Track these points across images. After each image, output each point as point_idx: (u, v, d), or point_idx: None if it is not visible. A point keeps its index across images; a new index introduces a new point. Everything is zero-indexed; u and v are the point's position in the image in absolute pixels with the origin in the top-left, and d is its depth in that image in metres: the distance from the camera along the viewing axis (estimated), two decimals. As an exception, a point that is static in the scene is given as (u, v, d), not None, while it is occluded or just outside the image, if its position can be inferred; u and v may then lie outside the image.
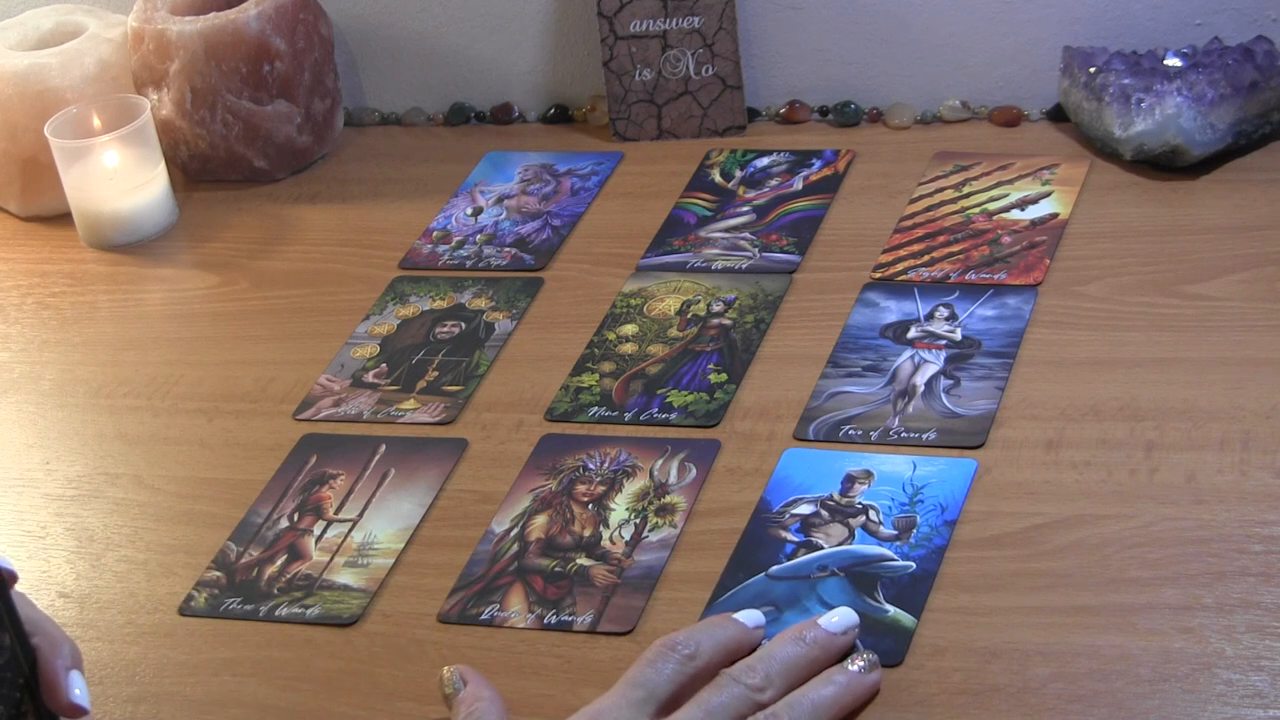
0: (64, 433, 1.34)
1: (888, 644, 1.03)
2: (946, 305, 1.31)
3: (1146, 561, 1.06)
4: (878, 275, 1.36)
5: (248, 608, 1.14)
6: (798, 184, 1.50)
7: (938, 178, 1.47)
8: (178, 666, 1.11)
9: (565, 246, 1.47)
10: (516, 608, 1.11)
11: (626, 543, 1.14)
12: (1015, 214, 1.41)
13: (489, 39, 1.66)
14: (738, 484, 1.18)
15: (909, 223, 1.42)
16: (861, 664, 0.99)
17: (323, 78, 1.63)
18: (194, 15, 1.60)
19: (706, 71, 1.58)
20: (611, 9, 1.57)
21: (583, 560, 1.13)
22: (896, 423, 1.20)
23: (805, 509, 1.14)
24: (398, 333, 1.39)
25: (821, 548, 1.11)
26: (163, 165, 1.57)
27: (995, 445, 1.17)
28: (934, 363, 1.26)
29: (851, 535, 1.12)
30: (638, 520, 1.16)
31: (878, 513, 1.13)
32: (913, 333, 1.29)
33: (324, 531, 1.20)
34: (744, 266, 1.40)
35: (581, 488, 1.19)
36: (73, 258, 1.56)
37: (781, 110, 1.60)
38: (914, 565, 1.08)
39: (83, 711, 0.91)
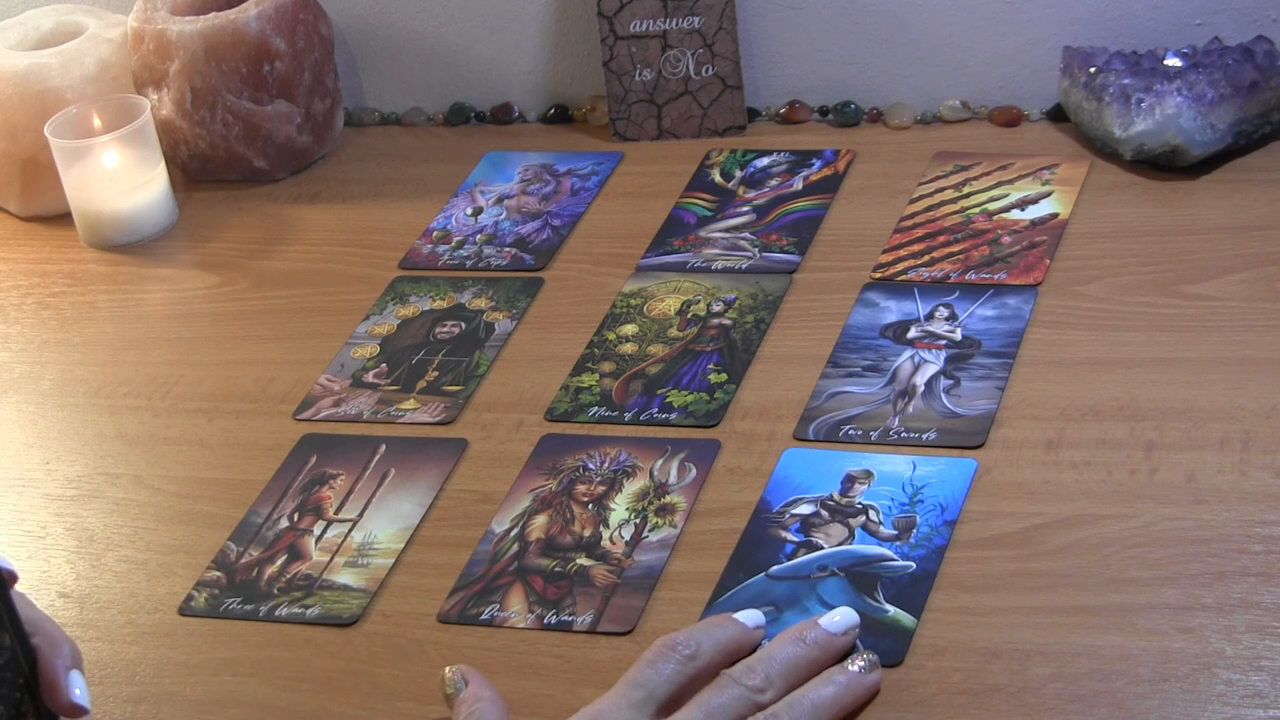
0: (64, 433, 1.34)
1: (888, 644, 1.03)
2: (946, 305, 1.31)
3: (1146, 561, 1.06)
4: (878, 275, 1.36)
5: (248, 608, 1.14)
6: (798, 184, 1.50)
7: (938, 178, 1.47)
8: (178, 666, 1.11)
9: (565, 246, 1.47)
10: (516, 608, 1.11)
11: (626, 543, 1.14)
12: (1015, 214, 1.41)
13: (489, 39, 1.66)
14: (738, 484, 1.18)
15: (909, 223, 1.42)
16: (861, 664, 0.99)
17: (323, 78, 1.63)
18: (194, 15, 1.60)
19: (706, 71, 1.58)
20: (611, 9, 1.57)
21: (583, 560, 1.13)
22: (896, 423, 1.20)
23: (805, 509, 1.14)
24: (398, 333, 1.39)
25: (821, 548, 1.11)
26: (163, 165, 1.57)
27: (995, 445, 1.17)
28: (934, 363, 1.26)
29: (851, 535, 1.12)
30: (638, 520, 1.16)
31: (878, 513, 1.13)
32: (913, 333, 1.29)
33: (324, 531, 1.20)
34: (744, 266, 1.40)
35: (581, 488, 1.19)
36: (73, 258, 1.56)
37: (781, 110, 1.60)
38: (914, 565, 1.08)
39: (83, 711, 0.91)
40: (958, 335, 1.28)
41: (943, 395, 1.22)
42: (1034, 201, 1.42)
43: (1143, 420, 1.17)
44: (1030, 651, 1.01)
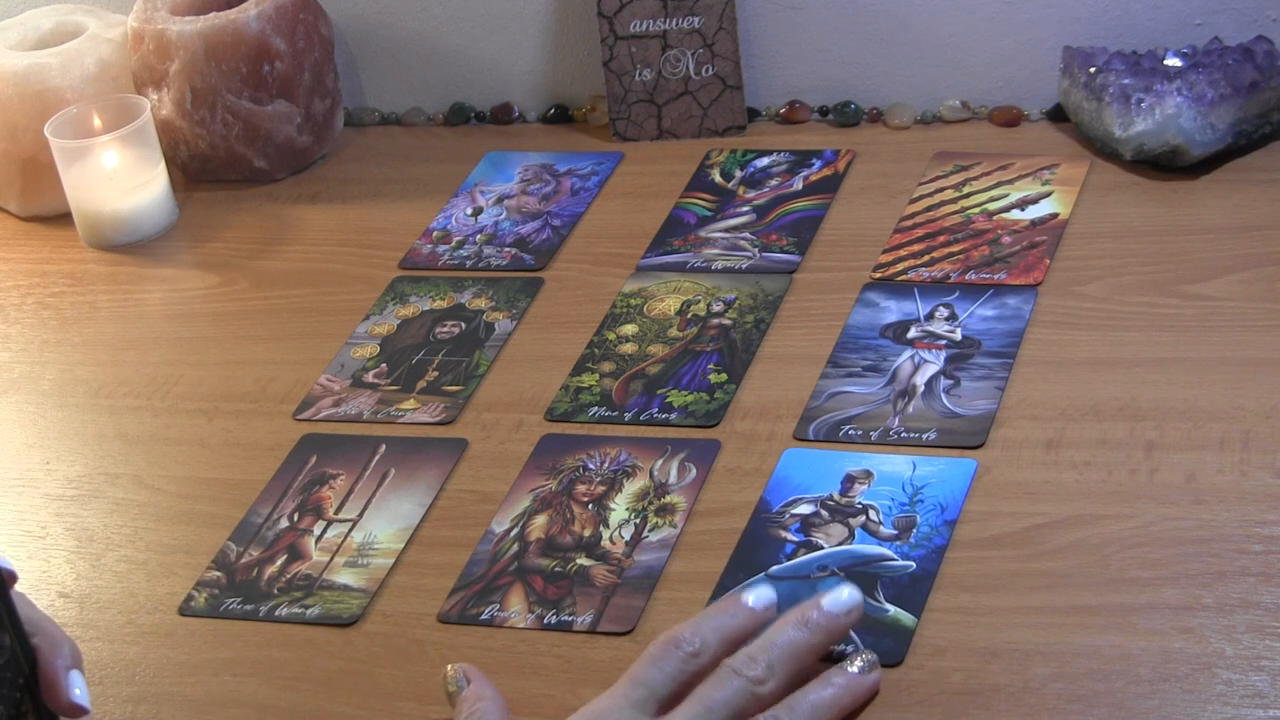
0: (64, 433, 1.34)
1: (888, 644, 1.03)
2: (946, 305, 1.31)
3: (1146, 561, 1.06)
4: (878, 275, 1.36)
5: (248, 608, 1.14)
6: (798, 184, 1.50)
7: (938, 178, 1.47)
8: (178, 666, 1.11)
9: (565, 246, 1.47)
10: (516, 608, 1.11)
11: (626, 543, 1.14)
12: (1015, 214, 1.41)
13: (489, 39, 1.66)
14: (738, 484, 1.18)
15: (909, 223, 1.42)
16: (861, 664, 0.99)
17: (323, 78, 1.63)
18: (194, 15, 1.60)
19: (706, 71, 1.58)
20: (611, 9, 1.57)
21: (583, 560, 1.13)
22: (896, 423, 1.20)
23: (805, 509, 1.14)
24: (398, 333, 1.39)
25: (821, 548, 1.11)
26: (163, 165, 1.57)
27: (995, 445, 1.17)
28: (934, 363, 1.26)
29: (851, 535, 1.12)
30: (638, 520, 1.16)
31: (878, 512, 1.13)
32: (913, 333, 1.29)
33: (324, 531, 1.20)
34: (744, 266, 1.40)
35: (581, 488, 1.19)
36: (73, 258, 1.56)
37: (781, 110, 1.60)
38: (914, 565, 1.08)
39: (83, 711, 0.91)
40: (958, 335, 1.28)
41: (943, 395, 1.22)
42: (1034, 201, 1.42)
43: (1143, 420, 1.17)
44: (1030, 651, 1.01)
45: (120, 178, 1.55)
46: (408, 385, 1.33)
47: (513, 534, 1.17)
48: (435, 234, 1.51)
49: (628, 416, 1.26)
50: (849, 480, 1.16)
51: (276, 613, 1.13)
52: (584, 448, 1.23)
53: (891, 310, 1.32)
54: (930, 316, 1.30)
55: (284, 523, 1.21)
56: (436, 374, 1.33)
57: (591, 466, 1.21)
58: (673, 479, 1.19)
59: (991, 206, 1.42)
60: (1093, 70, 1.46)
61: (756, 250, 1.42)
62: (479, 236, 1.50)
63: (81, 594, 1.17)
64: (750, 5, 1.58)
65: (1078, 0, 1.51)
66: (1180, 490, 1.11)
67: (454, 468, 1.23)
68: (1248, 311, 1.26)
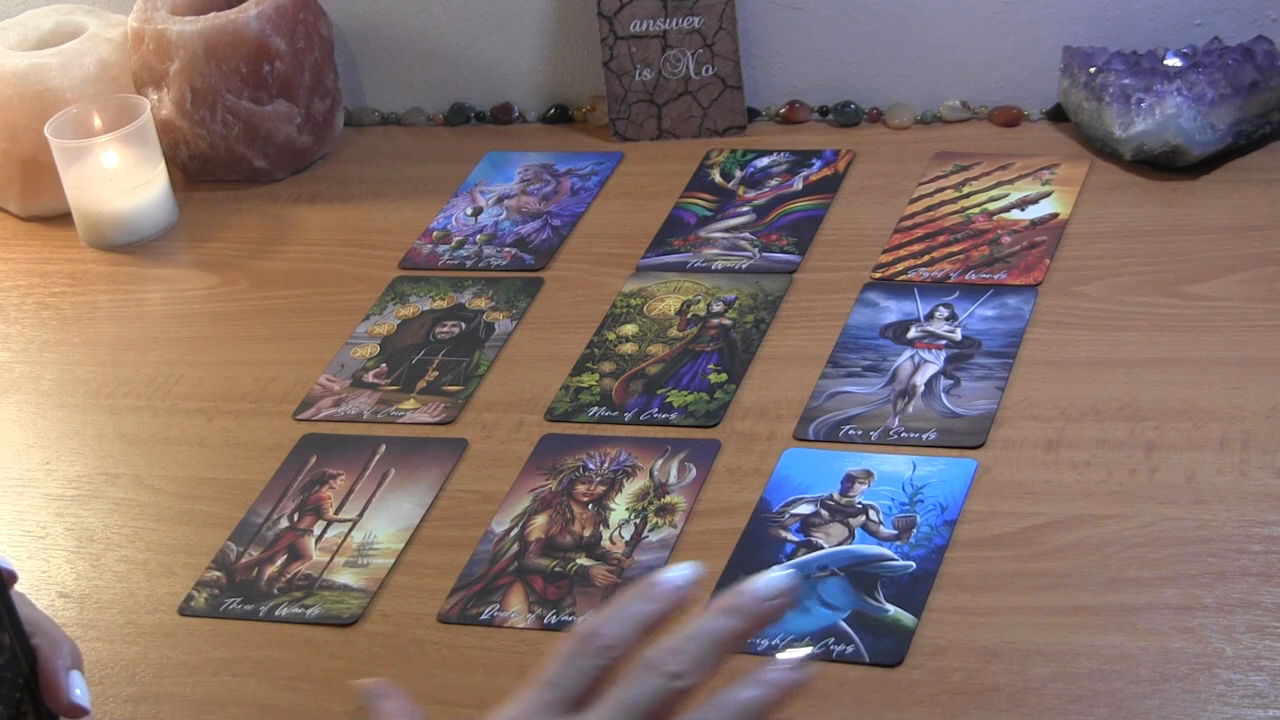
0: (64, 433, 1.34)
1: (888, 644, 1.03)
2: (946, 305, 1.31)
3: (1146, 561, 1.06)
4: (878, 275, 1.36)
5: (248, 608, 1.14)
6: (798, 184, 1.50)
7: (938, 178, 1.47)
8: (178, 666, 1.11)
9: (565, 246, 1.47)
10: (516, 608, 1.11)
11: (626, 543, 1.14)
12: (1015, 214, 1.41)
13: (489, 39, 1.66)
14: (738, 484, 1.18)
15: (909, 223, 1.42)
16: (788, 663, 0.92)
17: (323, 78, 1.63)
18: (194, 15, 1.60)
19: (706, 71, 1.58)
20: (611, 9, 1.57)
21: (583, 560, 1.13)
22: (896, 423, 1.20)
23: (805, 509, 1.14)
24: (398, 333, 1.39)
25: (821, 548, 1.11)
26: (163, 165, 1.57)
27: (995, 445, 1.17)
28: (934, 363, 1.26)
29: (851, 535, 1.12)
30: (638, 520, 1.16)
31: (878, 512, 1.13)
32: (913, 333, 1.29)
33: (324, 531, 1.20)
34: (744, 266, 1.40)
35: (581, 488, 1.19)
36: (73, 258, 1.56)
37: (781, 110, 1.60)
38: (914, 565, 1.08)
39: (83, 711, 0.91)
40: (958, 335, 1.28)
41: (943, 395, 1.22)
42: (1034, 201, 1.42)
43: (1143, 420, 1.17)
44: (1030, 651, 1.01)
45: (120, 178, 1.55)
46: (408, 385, 1.33)
47: (513, 534, 1.17)
48: (435, 234, 1.51)
49: (628, 416, 1.26)
50: (849, 480, 1.16)
51: (276, 613, 1.13)
52: (584, 448, 1.23)
53: (891, 310, 1.32)
54: (930, 316, 1.30)
55: (284, 523, 1.21)
56: (436, 374, 1.33)
57: (591, 466, 1.21)
58: (673, 479, 1.19)
59: (991, 206, 1.42)
60: (1093, 70, 1.46)
61: (756, 250, 1.42)
62: (479, 236, 1.50)
63: (81, 594, 1.17)
64: (750, 5, 1.58)
65: (1078, 0, 1.51)
66: (1180, 490, 1.11)
67: (454, 468, 1.23)
68: (1248, 311, 1.26)
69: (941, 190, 1.45)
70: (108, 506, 1.25)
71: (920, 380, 1.24)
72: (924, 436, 1.19)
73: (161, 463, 1.29)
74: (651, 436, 1.23)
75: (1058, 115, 1.53)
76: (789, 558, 1.10)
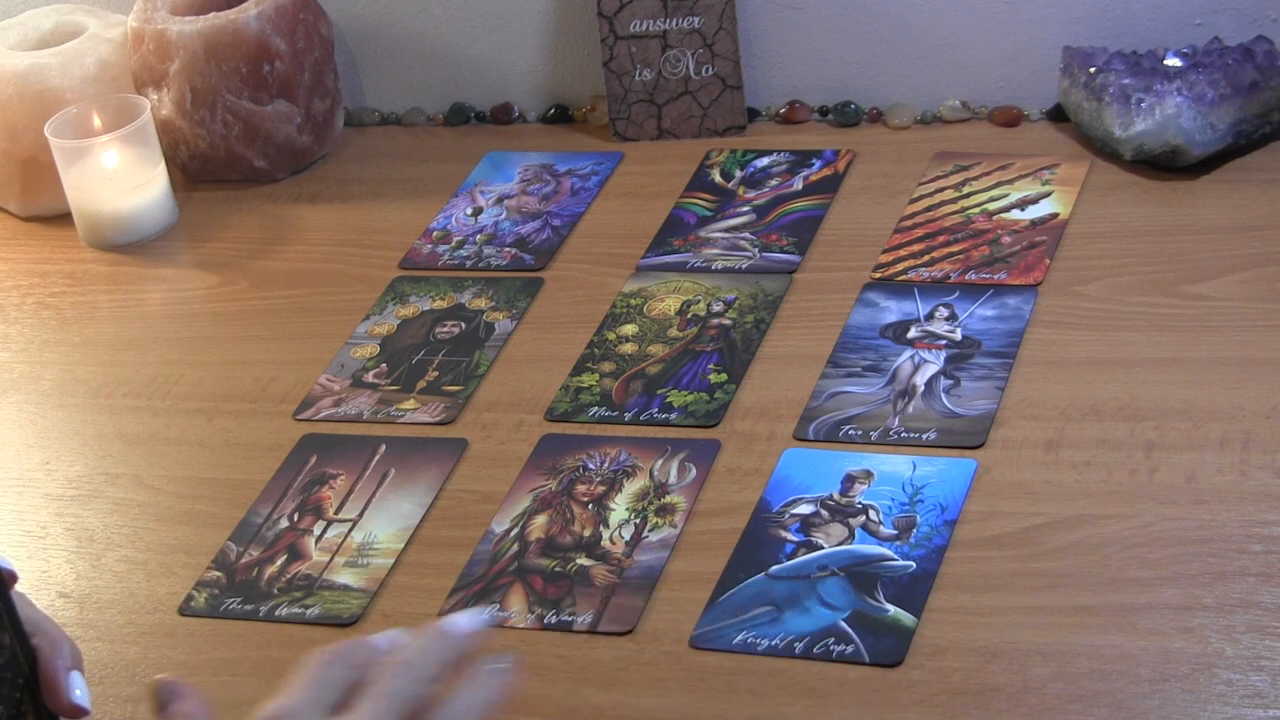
0: (64, 433, 1.34)
1: (888, 644, 1.03)
2: (946, 305, 1.31)
3: (1146, 561, 1.06)
4: (878, 275, 1.36)
5: (248, 608, 1.14)
6: (798, 184, 1.50)
7: (938, 178, 1.47)
8: (178, 666, 1.11)
9: (565, 246, 1.47)
10: (516, 608, 1.11)
11: (626, 543, 1.14)
12: (1015, 214, 1.41)
13: (489, 39, 1.66)
14: (738, 484, 1.18)
15: (909, 223, 1.42)
16: (499, 661, 0.90)
17: (323, 78, 1.63)
18: (194, 15, 1.60)
19: (706, 71, 1.58)
20: (611, 9, 1.57)
21: (583, 560, 1.13)
22: (896, 423, 1.20)
23: (805, 509, 1.14)
24: (398, 333, 1.39)
25: (821, 547, 1.11)
26: (163, 165, 1.57)
27: (995, 445, 1.17)
28: (934, 363, 1.26)
29: (851, 535, 1.12)
30: (638, 520, 1.16)
31: (878, 512, 1.13)
32: (913, 333, 1.29)
33: (324, 531, 1.20)
34: (744, 266, 1.40)
35: (581, 488, 1.19)
36: (73, 258, 1.56)
37: (781, 110, 1.60)
38: (914, 565, 1.08)
39: (83, 712, 0.91)
40: (958, 335, 1.28)
41: (943, 395, 1.22)
42: (1034, 201, 1.42)
43: (1143, 420, 1.17)
44: (1030, 651, 1.01)
45: (120, 178, 1.55)
46: (408, 385, 1.33)
47: (513, 534, 1.17)
48: (435, 234, 1.51)
49: (628, 416, 1.26)
50: (849, 480, 1.16)
51: (276, 613, 1.13)
52: (584, 448, 1.23)
53: (891, 310, 1.32)
54: (930, 316, 1.30)
55: (284, 523, 1.21)
56: (436, 374, 1.33)
57: (591, 466, 1.21)
58: (673, 479, 1.19)
59: (991, 206, 1.42)
60: (1093, 70, 1.46)
61: (756, 250, 1.42)
62: (479, 236, 1.50)
63: (81, 594, 1.17)
64: (750, 5, 1.58)
65: (1078, 0, 1.51)
66: (1180, 490, 1.11)
67: (454, 468, 1.23)
68: (1248, 311, 1.26)
69: (941, 190, 1.45)
70: (108, 506, 1.25)
71: (920, 380, 1.24)
72: (924, 436, 1.19)
73: (161, 463, 1.29)
74: (651, 436, 1.23)
75: (1058, 115, 1.53)
76: (789, 558, 1.10)
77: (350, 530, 1.19)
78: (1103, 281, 1.32)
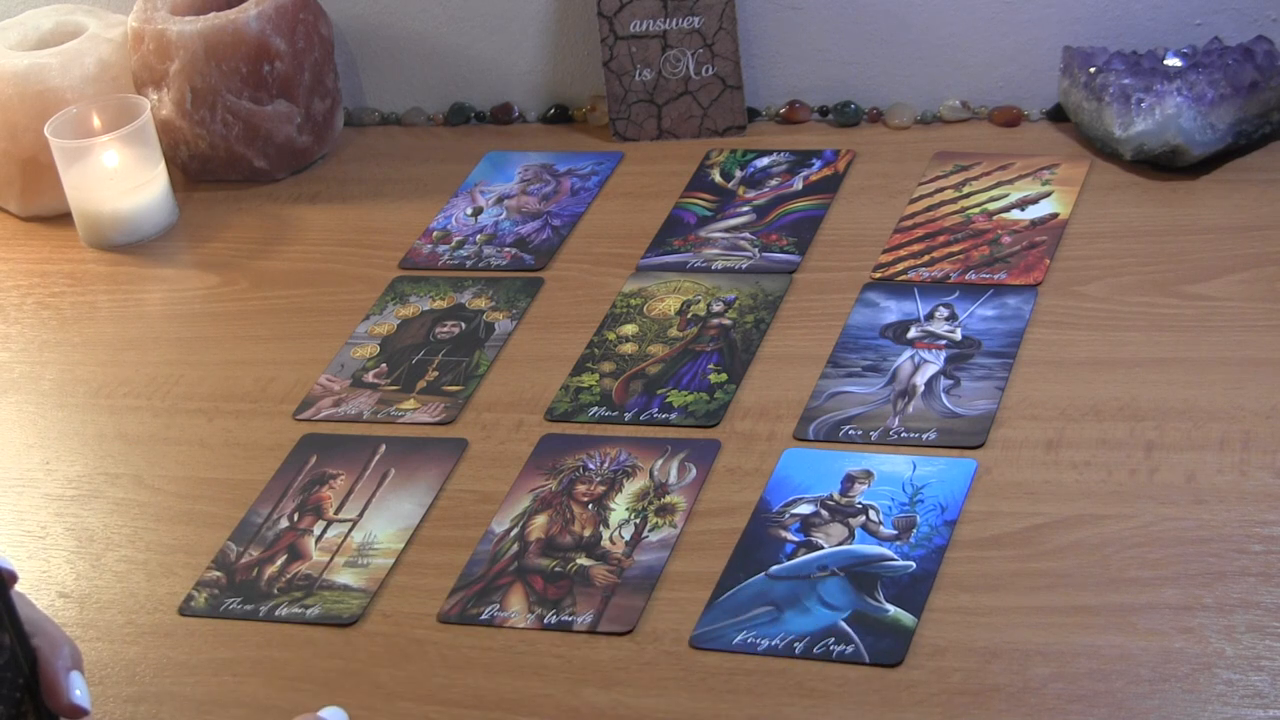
0: (64, 433, 1.34)
1: (888, 644, 1.03)
2: (946, 305, 1.31)
3: (1146, 561, 1.06)
4: (878, 275, 1.36)
5: (248, 608, 1.14)
6: (798, 184, 1.50)
7: (938, 178, 1.47)
8: (178, 666, 1.11)
9: (565, 246, 1.47)
10: (516, 608, 1.11)
11: (626, 543, 1.14)
12: (1015, 214, 1.41)
13: (489, 39, 1.66)
14: (738, 484, 1.18)
15: (909, 223, 1.42)
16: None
17: (323, 78, 1.63)
18: (194, 15, 1.60)
19: (706, 71, 1.58)
20: (611, 9, 1.57)
21: (583, 560, 1.13)
22: (896, 423, 1.20)
23: (805, 509, 1.14)
24: (398, 333, 1.39)
25: (821, 547, 1.11)
26: (163, 165, 1.57)
27: (995, 445, 1.17)
28: (934, 363, 1.26)
29: (851, 535, 1.12)
30: (638, 520, 1.16)
31: (878, 512, 1.13)
32: (913, 333, 1.29)
33: (324, 531, 1.20)
34: (744, 266, 1.40)
35: (581, 488, 1.19)
36: (73, 258, 1.56)
37: (781, 110, 1.60)
38: (914, 565, 1.08)
39: (83, 712, 0.91)
40: (958, 335, 1.28)
41: (943, 395, 1.22)
42: (1034, 201, 1.42)
43: (1143, 420, 1.17)
44: (1030, 651, 1.01)
45: (120, 178, 1.55)
46: (408, 385, 1.33)
47: (513, 534, 1.17)
48: (435, 234, 1.51)
49: (628, 416, 1.26)
50: (849, 480, 1.16)
51: (276, 613, 1.13)
52: (584, 448, 1.23)
53: (891, 310, 1.32)
54: (930, 316, 1.30)
55: (284, 523, 1.21)
56: (436, 374, 1.33)
57: (591, 466, 1.21)
58: (673, 479, 1.19)
59: (991, 206, 1.42)
60: (1093, 70, 1.46)
61: (756, 250, 1.42)
62: (479, 236, 1.50)
63: (81, 594, 1.17)
64: (750, 5, 1.58)
65: (1078, 0, 1.51)
66: (1180, 490, 1.11)
67: (454, 468, 1.23)
68: (1248, 311, 1.26)
69: (941, 190, 1.45)
70: (108, 506, 1.25)
71: (920, 380, 1.24)
72: (924, 436, 1.19)
73: (161, 463, 1.29)
74: (651, 436, 1.23)
75: (1058, 115, 1.53)
76: (789, 558, 1.10)
77: (350, 530, 1.19)
78: (1103, 281, 1.32)
